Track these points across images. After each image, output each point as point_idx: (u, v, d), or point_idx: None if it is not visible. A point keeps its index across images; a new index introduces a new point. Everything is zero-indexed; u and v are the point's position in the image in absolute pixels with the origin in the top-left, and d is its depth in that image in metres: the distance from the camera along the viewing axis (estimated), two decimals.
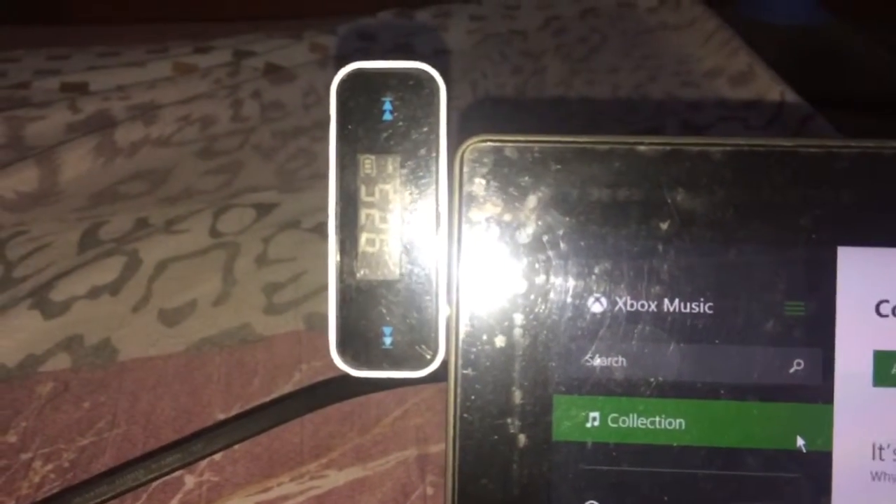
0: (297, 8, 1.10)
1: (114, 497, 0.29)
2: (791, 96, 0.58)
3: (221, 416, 0.34)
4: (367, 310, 0.18)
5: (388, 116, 0.17)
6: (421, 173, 0.17)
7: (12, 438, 0.33)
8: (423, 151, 0.17)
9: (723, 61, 0.66)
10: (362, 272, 0.17)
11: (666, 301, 0.17)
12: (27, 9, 1.00)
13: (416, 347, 0.17)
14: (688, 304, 0.17)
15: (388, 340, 0.18)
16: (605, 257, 0.17)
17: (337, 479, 0.31)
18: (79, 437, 0.33)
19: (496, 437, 0.17)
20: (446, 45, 0.75)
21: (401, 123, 0.17)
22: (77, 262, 0.44)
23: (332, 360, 0.34)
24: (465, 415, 0.17)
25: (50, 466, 0.32)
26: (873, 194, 0.17)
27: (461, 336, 0.17)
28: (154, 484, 0.30)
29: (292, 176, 0.54)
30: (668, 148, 0.17)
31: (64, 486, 0.31)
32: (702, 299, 0.17)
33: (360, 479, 0.31)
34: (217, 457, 0.32)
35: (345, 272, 0.17)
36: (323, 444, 0.32)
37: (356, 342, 0.18)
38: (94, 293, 0.41)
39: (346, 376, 0.35)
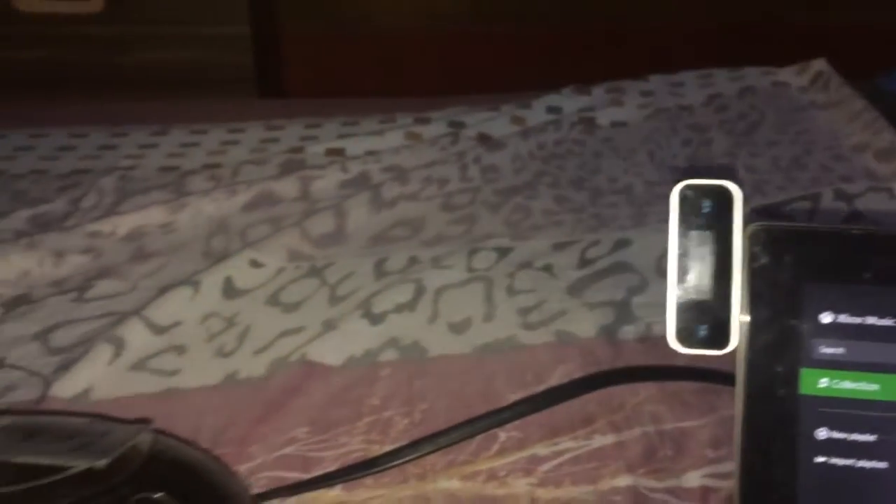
0: (464, 85, 1.27)
1: (461, 440, 0.44)
2: None
3: (512, 398, 0.49)
4: (692, 315, 0.31)
5: (706, 209, 0.32)
6: (724, 241, 0.31)
7: (375, 401, 0.49)
8: (725, 230, 0.31)
9: (869, 138, 0.78)
10: (690, 295, 0.31)
11: (867, 317, 0.30)
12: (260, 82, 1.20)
13: (720, 337, 0.31)
14: (885, 319, 0.30)
15: (702, 332, 0.32)
16: (830, 288, 0.31)
17: (602, 441, 0.45)
18: (420, 404, 0.48)
19: (767, 391, 0.31)
20: (622, 118, 0.89)
21: (713, 213, 0.31)
22: (379, 286, 0.60)
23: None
24: (749, 379, 0.31)
25: (406, 421, 0.47)
26: None
27: (746, 333, 0.31)
28: (478, 437, 0.45)
29: (517, 226, 0.69)
30: (871, 233, 0.30)
31: (416, 436, 0.46)
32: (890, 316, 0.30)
33: (617, 443, 0.45)
34: (517, 420, 0.46)
35: (679, 295, 0.32)
36: (588, 418, 0.47)
37: (685, 333, 0.32)
38: (398, 309, 0.57)
39: (600, 373, 0.49)
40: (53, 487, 0.28)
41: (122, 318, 0.55)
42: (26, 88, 1.00)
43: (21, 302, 0.59)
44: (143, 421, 0.35)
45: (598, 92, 0.95)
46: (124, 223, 0.67)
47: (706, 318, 0.32)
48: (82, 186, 0.74)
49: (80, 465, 0.29)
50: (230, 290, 0.59)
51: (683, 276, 0.32)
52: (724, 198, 0.32)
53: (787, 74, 0.93)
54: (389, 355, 0.53)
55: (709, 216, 0.32)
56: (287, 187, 0.73)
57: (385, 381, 0.51)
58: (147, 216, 0.68)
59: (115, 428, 0.34)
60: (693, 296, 0.32)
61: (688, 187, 0.32)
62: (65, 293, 0.59)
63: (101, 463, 0.30)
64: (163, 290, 0.59)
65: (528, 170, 0.79)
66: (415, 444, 0.43)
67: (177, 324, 0.56)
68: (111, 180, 0.75)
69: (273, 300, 0.59)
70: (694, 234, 0.32)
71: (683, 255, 0.32)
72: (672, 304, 0.32)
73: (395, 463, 0.42)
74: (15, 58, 1.06)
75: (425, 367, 0.52)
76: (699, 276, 0.32)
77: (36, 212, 0.70)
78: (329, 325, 0.55)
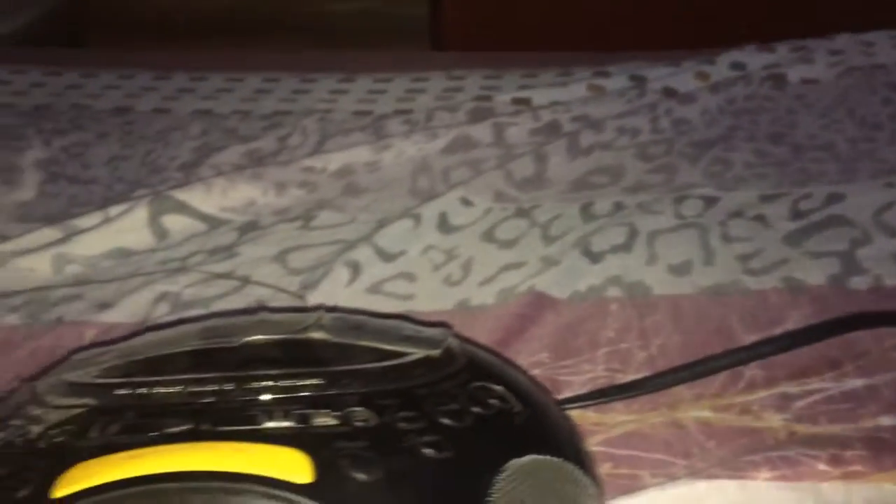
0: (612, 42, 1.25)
1: (723, 370, 0.44)
2: None
3: (747, 340, 0.48)
4: None
5: None
6: None
7: (610, 334, 0.49)
8: None
9: None
10: None
11: None
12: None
13: None
14: None
15: None
16: None
17: (853, 383, 0.44)
18: (654, 339, 0.49)
19: None
20: (813, 76, 0.86)
21: None
22: (590, 228, 0.61)
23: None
24: None
25: (644, 354, 0.48)
26: None
27: None
28: (723, 373, 0.45)
29: (719, 177, 0.68)
30: None
31: (657, 369, 0.46)
32: None
33: (869, 386, 0.44)
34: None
35: None
36: (833, 362, 0.46)
37: None
38: (614, 249, 0.58)
39: (844, 317, 0.48)
40: (406, 368, 0.30)
41: (351, 244, 0.58)
42: (217, 34, 1.06)
43: (252, 228, 0.62)
44: (443, 325, 0.37)
45: (783, 50, 0.92)
46: (334, 160, 0.70)
47: None
48: (286, 126, 0.78)
49: (417, 352, 0.31)
50: (445, 226, 0.61)
51: None
52: None
53: None
54: (614, 292, 0.54)
55: None
56: (482, 132, 0.75)
57: (615, 316, 0.51)
58: (354, 155, 0.71)
59: (423, 328, 0.35)
60: None
61: None
62: (290, 221, 0.63)
63: (436, 352, 0.31)
64: (382, 222, 0.61)
65: (720, 123, 0.78)
66: (675, 371, 0.44)
67: (402, 253, 0.58)
68: (312, 121, 0.78)
69: (488, 236, 0.60)
70: None
71: None
72: None
73: (667, 385, 0.43)
74: (208, 5, 1.12)
75: (653, 305, 0.52)
76: None
77: (249, 147, 0.74)
78: (550, 262, 0.57)
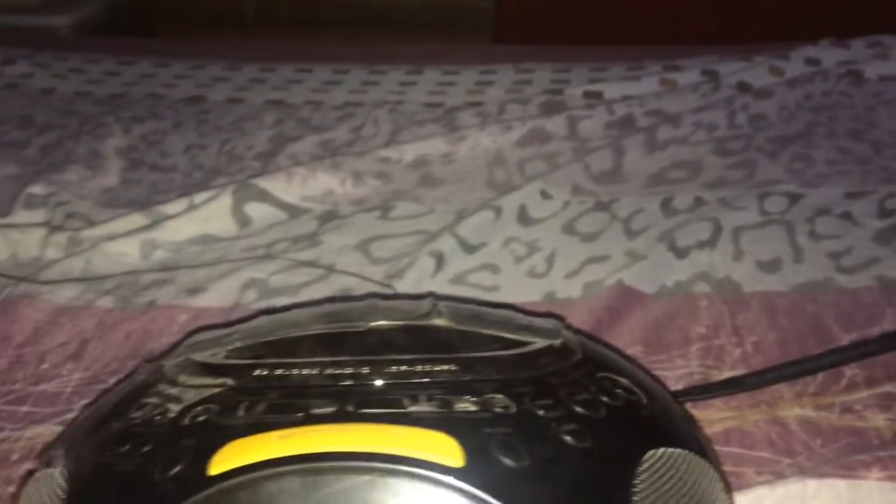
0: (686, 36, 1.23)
1: (812, 373, 0.43)
2: None
3: (844, 338, 0.47)
4: None
5: None
6: None
7: (701, 329, 0.49)
8: None
9: None
10: None
11: None
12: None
13: None
14: None
15: None
16: None
17: None
18: (748, 336, 0.48)
19: None
20: (889, 72, 0.84)
21: None
22: (672, 223, 0.60)
23: None
24: None
25: (738, 351, 0.47)
26: None
27: None
28: (821, 373, 0.45)
29: (801, 174, 0.67)
30: None
31: (754, 366, 0.46)
32: None
33: None
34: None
35: None
36: None
37: None
38: (700, 245, 0.57)
39: None
40: (533, 356, 0.30)
41: (434, 235, 0.58)
42: (284, 26, 1.06)
43: (331, 217, 0.63)
44: (553, 315, 0.37)
45: (858, 46, 0.90)
46: (409, 151, 0.70)
47: None
48: (358, 117, 0.78)
49: (538, 341, 0.31)
50: (525, 218, 0.61)
51: None
52: None
53: None
54: (702, 287, 0.53)
55: None
56: (556, 125, 0.74)
57: (705, 312, 0.51)
58: (429, 146, 0.71)
59: (535, 318, 0.35)
60: None
61: None
62: (369, 211, 0.63)
63: (557, 342, 0.31)
64: (462, 214, 0.61)
65: (799, 120, 0.76)
66: (779, 368, 0.43)
67: (484, 244, 0.58)
68: (384, 113, 0.78)
69: (569, 229, 0.60)
70: None
71: None
72: None
73: (771, 382, 0.42)
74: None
75: (744, 302, 0.51)
76: None
77: (323, 137, 0.74)
78: (634, 256, 0.56)
